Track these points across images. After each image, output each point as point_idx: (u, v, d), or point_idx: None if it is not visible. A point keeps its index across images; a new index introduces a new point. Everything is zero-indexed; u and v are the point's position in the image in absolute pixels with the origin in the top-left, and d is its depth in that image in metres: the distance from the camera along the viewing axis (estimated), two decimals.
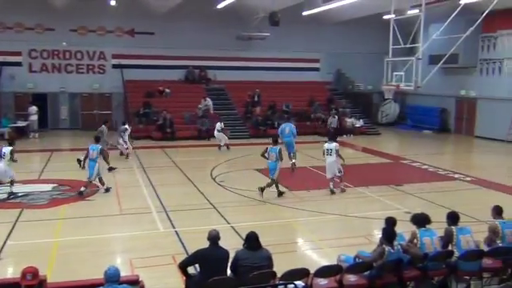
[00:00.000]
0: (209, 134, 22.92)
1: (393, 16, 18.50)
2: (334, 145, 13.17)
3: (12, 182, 12.57)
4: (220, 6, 22.67)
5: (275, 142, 13.20)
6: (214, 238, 6.32)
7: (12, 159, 12.39)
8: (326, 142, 13.59)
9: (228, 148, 19.96)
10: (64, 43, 25.51)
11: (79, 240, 9.47)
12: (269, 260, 6.24)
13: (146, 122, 23.75)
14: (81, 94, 26.48)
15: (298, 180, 15.04)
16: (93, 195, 12.81)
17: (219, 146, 20.08)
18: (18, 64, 25.17)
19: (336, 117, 22.52)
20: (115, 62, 26.45)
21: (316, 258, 8.64)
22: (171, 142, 21.93)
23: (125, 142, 18.01)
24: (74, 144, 22.44)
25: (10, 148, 12.45)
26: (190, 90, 26.25)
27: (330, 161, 13.08)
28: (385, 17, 22.03)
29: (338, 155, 13.10)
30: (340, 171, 13.19)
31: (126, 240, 9.71)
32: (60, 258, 8.45)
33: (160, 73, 26.29)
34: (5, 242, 9.08)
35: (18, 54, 25.06)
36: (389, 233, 6.67)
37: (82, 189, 12.68)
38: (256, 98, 26.11)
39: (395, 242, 6.59)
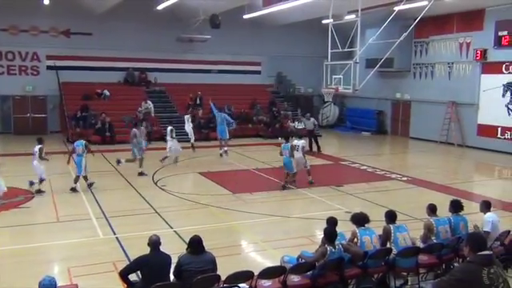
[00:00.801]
0: (150, 138, 22.47)
1: (331, 21, 18.94)
2: (301, 142, 14.46)
3: (41, 181, 13.05)
4: (160, 7, 22.35)
5: (287, 139, 14.29)
6: (154, 243, 6.22)
7: (41, 157, 13.09)
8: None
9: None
10: None
11: (13, 250, 9.01)
12: (213, 263, 6.21)
13: (84, 126, 22.98)
14: (13, 97, 25.22)
15: (240, 182, 15.07)
16: (28, 202, 12.23)
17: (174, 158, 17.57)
18: None
19: (311, 119, 22.63)
20: (50, 63, 25.40)
21: (260, 260, 8.67)
22: (111, 146, 21.33)
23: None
24: (5, 149, 21.33)
25: (40, 146, 13.15)
26: (129, 93, 25.69)
27: (298, 156, 14.07)
28: (323, 21, 22.54)
29: (304, 152, 14.47)
30: (306, 165, 14.50)
31: (64, 248, 9.32)
32: None
33: (98, 75, 25.55)
34: None
35: None
36: (330, 233, 6.81)
37: (74, 185, 13.26)
38: (198, 101, 25.93)
39: (336, 242, 6.74)
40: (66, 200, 12.53)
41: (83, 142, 13.64)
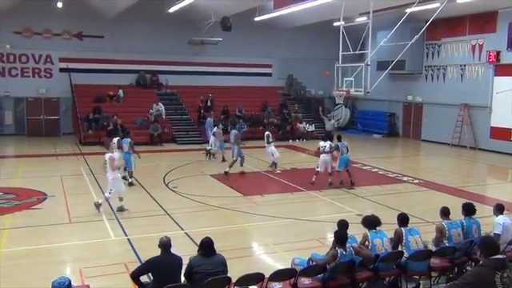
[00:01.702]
0: (161, 140, 22.64)
1: (342, 23, 18.89)
2: (328, 143, 14.61)
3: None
4: (171, 10, 22.46)
5: (333, 138, 14.91)
6: (165, 245, 6.23)
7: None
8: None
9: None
10: (7, 46, 24.49)
11: (26, 250, 9.08)
12: (224, 265, 6.21)
13: (96, 128, 23.16)
14: (26, 99, 25.51)
15: (251, 185, 15.08)
16: (40, 203, 12.35)
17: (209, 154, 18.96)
18: None
19: (332, 120, 22.58)
20: (63, 65, 25.66)
21: (271, 262, 8.67)
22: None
23: None
24: (19, 150, 21.60)
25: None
26: (141, 95, 25.86)
27: (325, 157, 14.50)
28: (334, 24, 22.48)
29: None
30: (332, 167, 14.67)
31: (76, 249, 9.40)
32: (5, 270, 8.06)
33: (110, 77, 25.77)
34: None
35: None
36: (341, 235, 6.79)
37: (130, 180, 14.12)
38: (209, 103, 26.02)
39: (347, 245, 6.71)
40: (78, 201, 12.62)
41: (129, 140, 14.35)
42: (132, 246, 9.23)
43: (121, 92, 25.45)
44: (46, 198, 12.77)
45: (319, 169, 14.59)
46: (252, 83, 28.66)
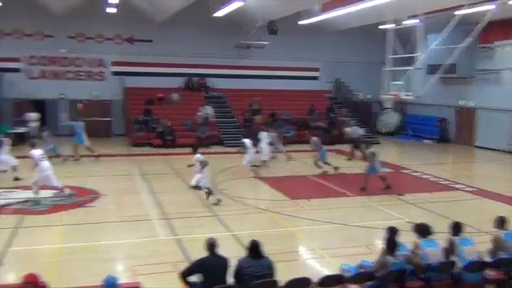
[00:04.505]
0: (209, 142, 22.92)
1: (390, 26, 18.58)
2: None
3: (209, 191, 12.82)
4: (218, 14, 22.74)
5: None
6: (210, 246, 6.32)
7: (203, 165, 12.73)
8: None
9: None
10: (63, 50, 25.53)
11: (79, 246, 9.43)
12: (271, 269, 6.22)
13: (146, 130, 23.74)
14: (80, 101, 26.43)
15: (298, 189, 15.03)
16: (93, 202, 12.78)
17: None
18: (17, 71, 25.18)
19: (354, 127, 22.27)
20: (115, 69, 26.49)
21: (318, 268, 8.60)
22: (171, 150, 21.91)
23: None
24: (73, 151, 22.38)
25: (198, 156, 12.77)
26: (189, 98, 26.26)
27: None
28: (381, 27, 22.12)
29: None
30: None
31: (127, 247, 9.66)
32: (60, 265, 8.40)
33: (159, 80, 26.35)
34: (6, 248, 9.03)
35: (17, 60, 25.07)
36: (391, 243, 6.66)
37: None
38: (256, 106, 26.15)
39: (397, 252, 6.58)
40: (128, 200, 12.97)
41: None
42: (180, 246, 9.39)
43: (175, 95, 25.94)
44: (98, 197, 13.19)
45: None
46: (299, 87, 28.56)
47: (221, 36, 26.09)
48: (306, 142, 20.27)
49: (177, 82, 27.15)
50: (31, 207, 12.07)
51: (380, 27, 22.21)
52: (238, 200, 13.17)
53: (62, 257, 8.87)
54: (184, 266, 6.88)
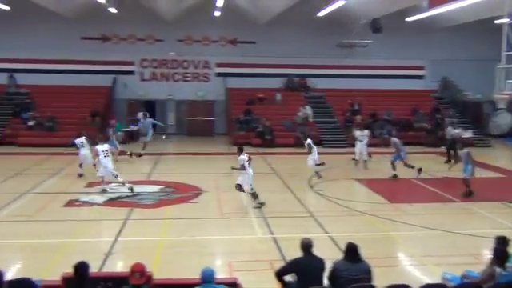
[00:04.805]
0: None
1: (506, 20, 17.20)
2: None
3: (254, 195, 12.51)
4: (320, 13, 22.64)
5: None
6: (306, 246, 6.29)
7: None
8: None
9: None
10: (172, 53, 27.01)
11: (183, 240, 9.90)
12: (369, 273, 6.08)
13: (247, 129, 24.30)
14: (187, 101, 27.81)
15: (399, 192, 14.52)
16: (196, 198, 13.37)
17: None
18: (131, 73, 27.08)
19: (449, 127, 21.09)
20: (219, 70, 27.47)
21: (418, 275, 8.24)
22: (270, 149, 22.23)
23: None
24: (179, 148, 23.61)
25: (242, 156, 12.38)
26: (289, 98, 26.46)
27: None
28: (497, 21, 20.56)
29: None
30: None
31: (226, 243, 10.00)
32: (165, 256, 8.90)
33: (260, 81, 26.85)
34: (116, 238, 9.76)
35: (131, 63, 26.98)
36: (500, 253, 6.20)
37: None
38: (356, 106, 25.66)
39: (508, 264, 6.11)
40: (229, 198, 13.38)
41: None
42: (277, 245, 9.50)
43: (278, 95, 26.29)
44: (200, 193, 13.78)
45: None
46: (402, 86, 27.55)
47: (323, 36, 25.97)
48: (408, 143, 19.51)
49: (277, 83, 27.48)
50: (139, 201, 12.92)
51: (496, 22, 20.69)
52: (335, 201, 13.02)
53: (168, 249, 9.39)
54: (280, 264, 6.96)
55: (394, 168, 16.06)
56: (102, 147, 13.91)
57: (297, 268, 6.23)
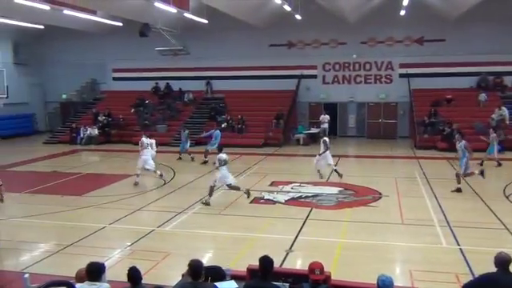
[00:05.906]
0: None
1: None
2: None
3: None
4: None
5: None
6: (502, 262, 5.67)
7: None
8: None
9: None
10: (354, 55, 26.96)
11: (361, 243, 9.80)
12: None
13: (432, 132, 22.99)
14: (368, 104, 27.47)
15: None
16: (375, 202, 13.14)
17: None
18: (314, 77, 27.79)
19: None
20: (402, 71, 26.53)
21: None
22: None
23: None
24: (359, 151, 23.46)
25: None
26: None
27: None
28: None
29: None
30: None
31: (406, 250, 9.61)
32: (342, 258, 8.93)
33: (447, 80, 25.23)
34: (296, 236, 10.13)
35: (314, 67, 27.68)
36: None
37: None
38: None
39: None
40: (410, 204, 12.84)
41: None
42: (464, 257, 8.80)
43: (482, 95, 24.18)
44: (380, 198, 13.49)
45: None
46: None
47: None
48: None
49: (467, 82, 25.43)
50: (319, 202, 13.17)
51: None
52: None
53: (347, 251, 9.39)
54: (468, 279, 6.45)
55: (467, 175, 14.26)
56: None
57: (486, 284, 5.69)
